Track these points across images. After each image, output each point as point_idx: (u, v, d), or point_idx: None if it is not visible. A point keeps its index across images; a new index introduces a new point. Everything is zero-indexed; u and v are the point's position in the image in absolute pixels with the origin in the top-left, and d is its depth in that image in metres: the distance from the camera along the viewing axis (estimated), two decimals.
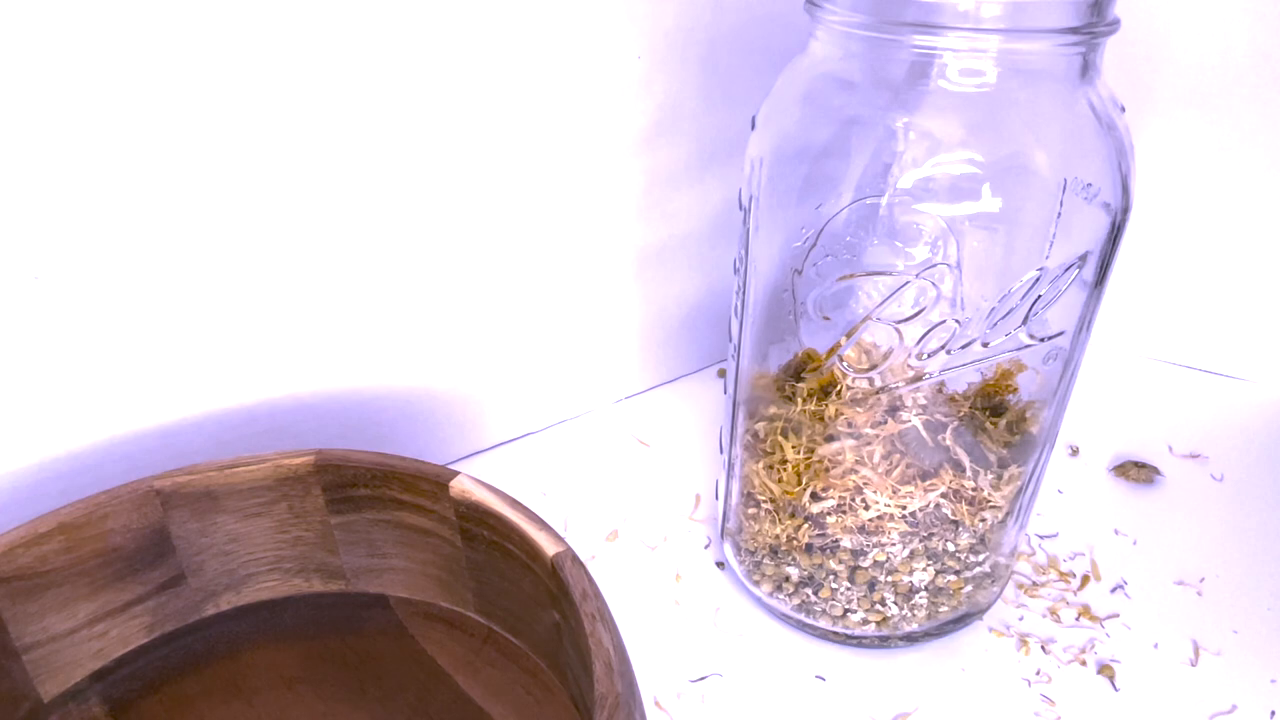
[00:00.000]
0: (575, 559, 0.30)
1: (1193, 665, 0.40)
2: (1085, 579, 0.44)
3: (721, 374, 0.61)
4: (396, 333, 0.46)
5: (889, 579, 0.38)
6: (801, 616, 0.40)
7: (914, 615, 0.39)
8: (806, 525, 0.38)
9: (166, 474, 0.34)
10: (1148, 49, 0.52)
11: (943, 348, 0.33)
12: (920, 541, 0.37)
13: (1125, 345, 0.62)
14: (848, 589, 0.39)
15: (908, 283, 0.32)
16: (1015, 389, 0.37)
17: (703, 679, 0.39)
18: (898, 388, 0.35)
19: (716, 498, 0.45)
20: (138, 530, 0.34)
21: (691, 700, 0.38)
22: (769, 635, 0.41)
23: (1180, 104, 0.54)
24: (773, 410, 0.39)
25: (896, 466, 0.36)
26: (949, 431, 0.36)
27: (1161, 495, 0.50)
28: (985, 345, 0.33)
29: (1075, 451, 0.53)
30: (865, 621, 0.39)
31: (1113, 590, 0.44)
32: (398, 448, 0.36)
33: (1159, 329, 0.61)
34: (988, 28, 0.29)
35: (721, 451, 0.43)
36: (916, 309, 0.33)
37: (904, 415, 0.36)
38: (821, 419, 0.37)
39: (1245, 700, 0.38)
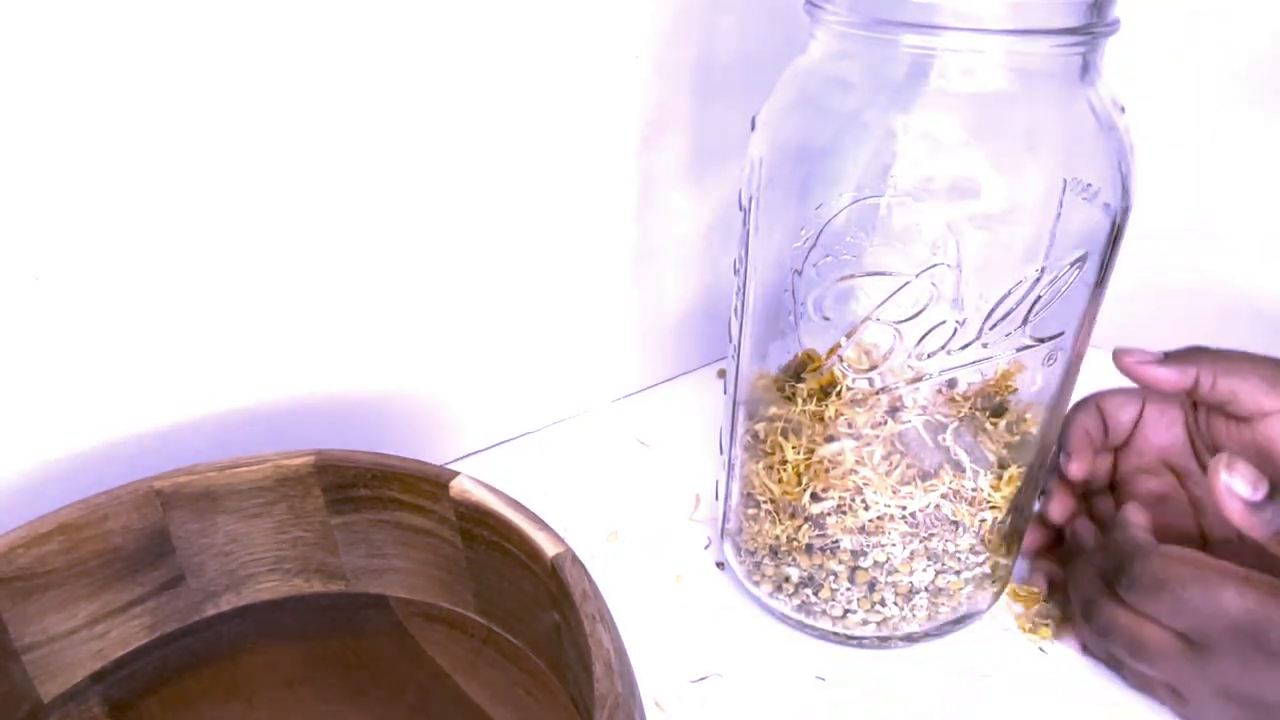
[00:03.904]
0: (575, 559, 0.30)
1: None
2: None
3: (721, 374, 0.61)
4: (396, 333, 0.46)
5: (889, 579, 0.38)
6: (802, 617, 0.40)
7: (914, 616, 0.39)
8: (807, 526, 0.38)
9: (166, 474, 0.34)
10: (1148, 49, 0.52)
11: (942, 348, 0.33)
12: (920, 542, 0.37)
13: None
14: (848, 589, 0.39)
15: (908, 283, 0.32)
16: (1015, 389, 0.37)
17: (703, 679, 0.39)
18: (898, 388, 0.35)
19: (716, 498, 0.45)
20: (138, 530, 0.34)
21: (691, 701, 0.38)
22: (769, 635, 0.41)
23: (1180, 104, 0.54)
24: (773, 410, 0.39)
25: (896, 467, 0.36)
26: (949, 432, 0.36)
27: None
28: (985, 346, 0.33)
29: None
30: (865, 622, 0.39)
31: None
32: (398, 448, 0.36)
33: (1160, 329, 0.61)
34: (987, 28, 0.29)
35: (721, 452, 0.43)
36: (916, 309, 0.32)
37: (904, 416, 0.36)
38: (821, 419, 0.37)
39: None
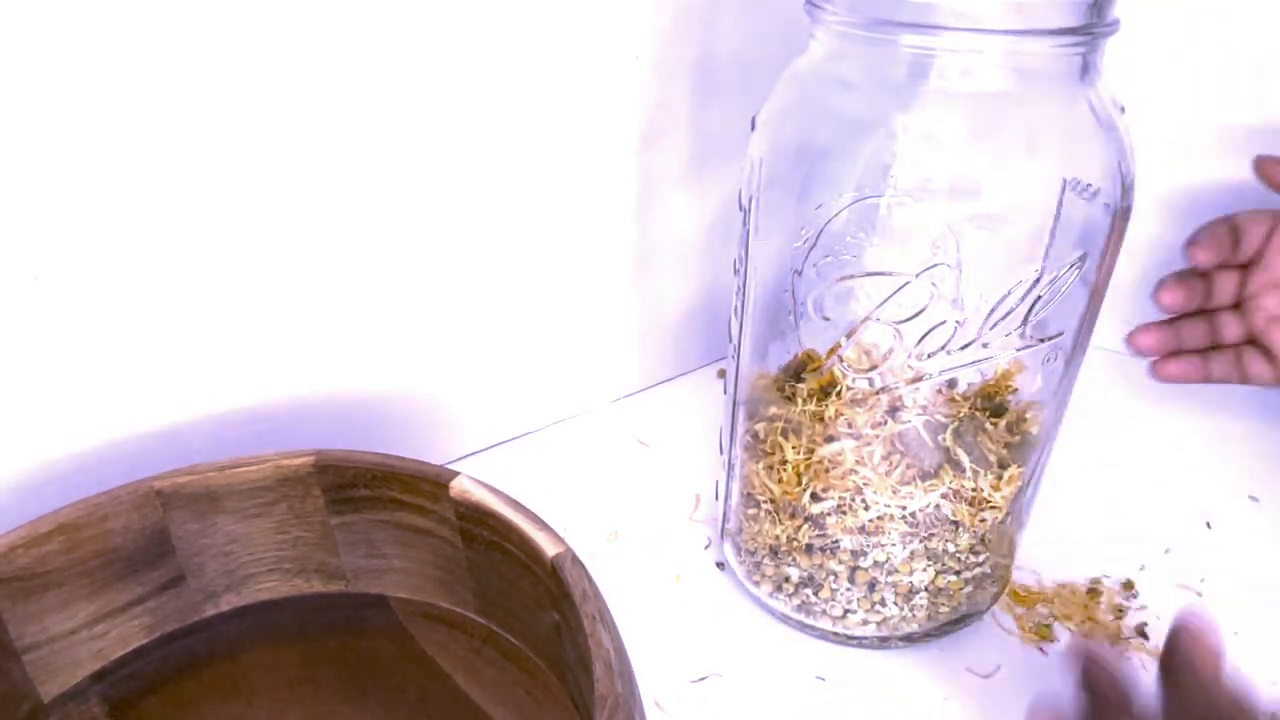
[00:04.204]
0: (575, 559, 0.30)
1: None
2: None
3: (721, 374, 0.61)
4: (396, 333, 0.46)
5: (889, 579, 0.38)
6: (802, 617, 0.40)
7: (914, 616, 0.39)
8: (806, 526, 0.38)
9: (166, 474, 0.34)
10: (1148, 49, 0.52)
11: (942, 348, 0.33)
12: (920, 542, 0.37)
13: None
14: (848, 589, 0.39)
15: (908, 283, 0.32)
16: (1015, 389, 0.37)
17: (703, 679, 0.39)
18: (898, 388, 0.35)
19: (716, 498, 0.45)
20: (138, 530, 0.34)
21: (691, 701, 0.38)
22: (769, 635, 0.41)
23: (1180, 104, 0.54)
24: (773, 410, 0.39)
25: (896, 467, 0.36)
26: (949, 432, 0.36)
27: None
28: (985, 345, 0.33)
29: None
30: (865, 622, 0.39)
31: None
32: (398, 448, 0.36)
33: None
34: (987, 28, 0.29)
35: (721, 452, 0.43)
36: (916, 309, 0.33)
37: (904, 416, 0.36)
38: (821, 419, 0.37)
39: None
